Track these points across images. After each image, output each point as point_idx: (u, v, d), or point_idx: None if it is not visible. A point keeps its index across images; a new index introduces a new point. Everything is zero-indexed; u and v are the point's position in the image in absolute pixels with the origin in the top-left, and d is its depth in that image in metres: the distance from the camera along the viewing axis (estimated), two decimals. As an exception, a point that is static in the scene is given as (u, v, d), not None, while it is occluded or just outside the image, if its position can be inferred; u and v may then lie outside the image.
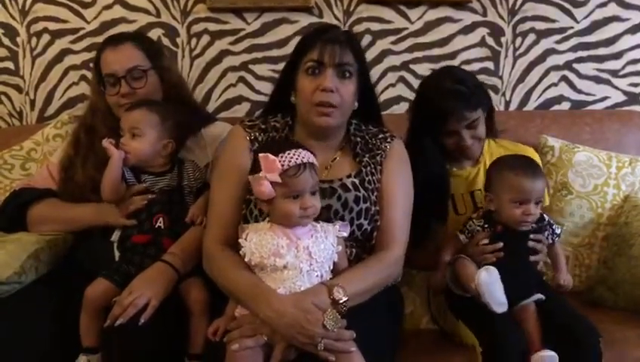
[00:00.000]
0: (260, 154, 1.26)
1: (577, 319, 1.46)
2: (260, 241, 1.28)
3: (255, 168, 1.28)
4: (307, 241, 1.28)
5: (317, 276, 1.29)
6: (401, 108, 2.29)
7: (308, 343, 1.22)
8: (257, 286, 1.28)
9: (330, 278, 1.32)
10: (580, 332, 1.42)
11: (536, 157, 1.78)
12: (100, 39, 2.20)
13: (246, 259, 1.30)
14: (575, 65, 2.29)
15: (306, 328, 1.21)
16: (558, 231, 1.59)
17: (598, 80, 2.30)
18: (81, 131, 1.74)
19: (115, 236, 1.57)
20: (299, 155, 1.26)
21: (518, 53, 2.29)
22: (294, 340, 1.23)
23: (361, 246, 1.44)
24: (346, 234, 1.34)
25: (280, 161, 1.24)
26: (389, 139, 1.54)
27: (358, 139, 1.53)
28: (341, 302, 1.25)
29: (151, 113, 1.57)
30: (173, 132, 1.60)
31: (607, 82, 2.30)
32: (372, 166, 1.49)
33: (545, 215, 1.59)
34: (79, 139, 1.73)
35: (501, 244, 1.54)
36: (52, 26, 2.25)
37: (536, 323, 1.46)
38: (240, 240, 1.31)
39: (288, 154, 1.26)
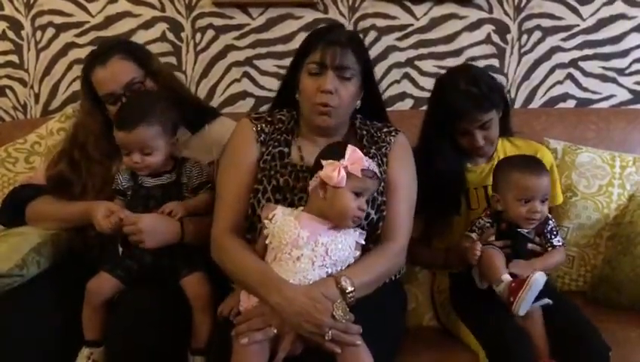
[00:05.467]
0: (350, 146, 1.34)
1: (587, 329, 1.44)
2: (281, 226, 1.31)
3: (332, 155, 1.33)
4: (327, 238, 1.31)
5: (327, 273, 1.31)
6: (406, 104, 2.29)
7: (315, 332, 1.23)
8: (268, 274, 1.31)
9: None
10: (589, 345, 1.40)
11: (548, 155, 1.79)
12: (104, 33, 2.23)
13: (267, 241, 1.33)
14: (581, 63, 2.28)
15: (314, 316, 1.23)
16: (556, 242, 1.57)
17: (603, 78, 2.29)
18: (74, 150, 1.69)
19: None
20: (375, 166, 1.37)
21: (523, 50, 2.28)
22: (302, 329, 1.24)
23: (367, 237, 1.45)
24: (363, 242, 1.37)
25: (365, 159, 1.33)
26: (393, 133, 1.58)
27: (364, 132, 1.57)
28: (348, 291, 1.28)
29: (152, 126, 1.51)
30: (173, 126, 1.59)
31: (613, 80, 2.29)
32: (378, 157, 1.51)
33: (551, 221, 1.59)
34: (73, 158, 1.69)
35: (509, 242, 1.55)
36: (57, 19, 2.25)
37: (542, 330, 1.46)
38: (265, 221, 1.34)
39: (369, 159, 1.37)
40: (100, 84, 1.65)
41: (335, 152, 1.34)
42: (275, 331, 1.25)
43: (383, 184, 1.49)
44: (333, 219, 1.32)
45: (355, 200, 1.32)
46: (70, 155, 1.70)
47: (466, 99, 1.61)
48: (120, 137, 1.52)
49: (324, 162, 1.33)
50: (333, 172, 1.29)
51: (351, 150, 1.32)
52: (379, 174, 1.38)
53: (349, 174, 1.30)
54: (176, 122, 1.60)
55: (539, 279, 1.41)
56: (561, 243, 1.58)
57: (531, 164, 1.57)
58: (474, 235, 1.61)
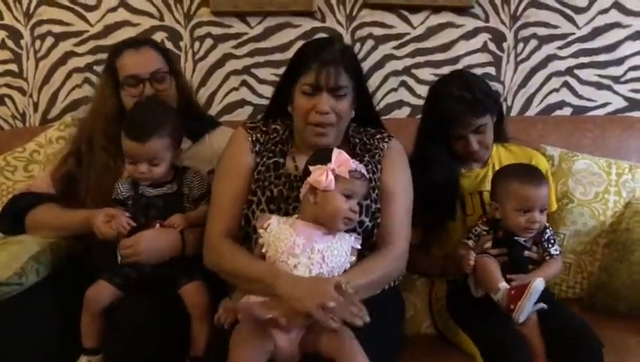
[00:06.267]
0: (335, 149, 1.36)
1: (580, 328, 1.46)
2: (277, 235, 1.32)
3: (320, 160, 1.34)
4: (322, 245, 1.31)
5: None
6: (403, 112, 2.30)
7: (320, 304, 1.20)
8: (270, 265, 1.32)
9: None
10: (582, 342, 1.42)
11: (543, 161, 1.80)
12: (103, 42, 2.24)
13: (263, 250, 1.33)
14: (576, 71, 2.29)
15: (324, 285, 1.23)
16: (553, 251, 1.58)
17: (599, 86, 2.30)
18: (82, 142, 1.72)
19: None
20: (364, 168, 1.39)
21: (519, 58, 2.29)
22: (308, 302, 1.21)
23: (362, 243, 1.45)
24: (359, 247, 1.37)
25: (351, 161, 1.35)
26: (386, 139, 1.58)
27: (357, 140, 1.58)
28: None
29: (163, 138, 1.54)
30: (180, 137, 1.62)
31: (609, 88, 2.30)
32: (372, 165, 1.52)
33: (548, 230, 1.60)
34: (80, 150, 1.71)
35: (505, 250, 1.56)
36: (56, 28, 2.26)
37: (539, 334, 1.46)
38: (260, 230, 1.35)
39: (355, 161, 1.37)
40: (127, 66, 1.68)
41: (322, 157, 1.35)
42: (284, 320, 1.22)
43: (377, 191, 1.49)
44: (325, 222, 1.33)
45: (346, 202, 1.33)
46: (77, 150, 1.72)
47: (460, 104, 1.62)
48: (130, 147, 1.53)
49: (311, 168, 1.34)
50: (321, 176, 1.31)
51: (337, 153, 1.34)
52: (367, 175, 1.39)
53: (337, 177, 1.32)
54: (182, 133, 1.62)
55: (539, 285, 1.42)
56: (558, 252, 1.59)
57: (531, 174, 1.58)
58: (470, 243, 1.61)
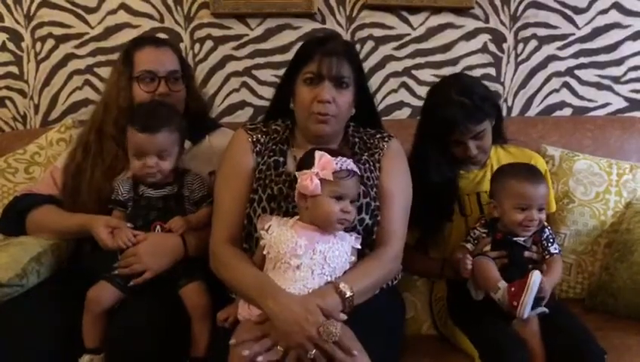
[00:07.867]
0: (317, 152, 1.32)
1: (582, 335, 1.45)
2: (279, 237, 1.32)
3: (306, 165, 1.34)
4: (324, 246, 1.31)
5: (326, 281, 1.31)
6: (403, 113, 2.30)
7: (302, 345, 1.21)
8: (264, 280, 1.31)
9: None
10: (584, 350, 1.41)
11: (542, 162, 1.80)
12: (104, 44, 2.24)
13: (264, 252, 1.33)
14: (577, 72, 2.30)
15: (304, 328, 1.22)
16: (553, 250, 1.57)
17: (599, 86, 2.31)
18: (91, 133, 1.72)
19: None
20: (350, 163, 1.35)
21: (519, 59, 2.30)
22: (291, 339, 1.22)
23: (363, 241, 1.45)
24: (359, 246, 1.38)
25: (335, 162, 1.30)
26: (386, 139, 1.59)
27: (357, 140, 1.58)
28: (347, 296, 1.28)
29: (173, 132, 1.56)
30: (184, 140, 1.63)
31: (609, 88, 2.31)
32: (370, 163, 1.52)
33: (547, 229, 1.59)
34: (88, 142, 1.71)
35: (504, 252, 1.55)
36: (56, 30, 2.26)
37: (539, 338, 1.46)
38: (262, 232, 1.35)
39: (341, 159, 1.34)
40: (145, 61, 1.69)
41: (307, 162, 1.35)
42: (280, 349, 1.23)
43: (375, 189, 1.49)
44: (320, 225, 1.33)
45: (337, 204, 1.32)
46: (85, 142, 1.72)
47: (459, 110, 1.60)
48: (140, 139, 1.53)
49: (297, 173, 1.34)
50: (306, 181, 1.30)
51: (319, 156, 1.32)
52: (356, 171, 1.36)
53: (322, 180, 1.31)
54: (187, 134, 1.63)
55: (537, 279, 1.42)
56: (557, 251, 1.58)
57: (530, 173, 1.58)
58: (469, 246, 1.61)
